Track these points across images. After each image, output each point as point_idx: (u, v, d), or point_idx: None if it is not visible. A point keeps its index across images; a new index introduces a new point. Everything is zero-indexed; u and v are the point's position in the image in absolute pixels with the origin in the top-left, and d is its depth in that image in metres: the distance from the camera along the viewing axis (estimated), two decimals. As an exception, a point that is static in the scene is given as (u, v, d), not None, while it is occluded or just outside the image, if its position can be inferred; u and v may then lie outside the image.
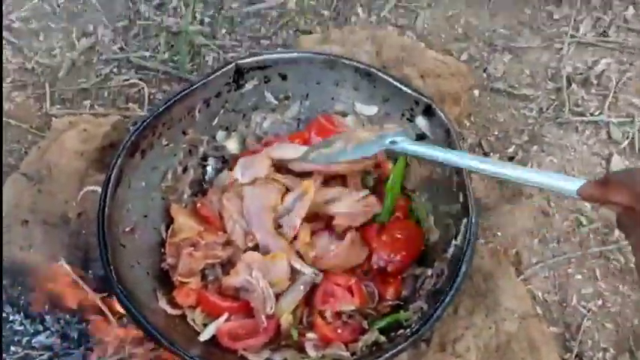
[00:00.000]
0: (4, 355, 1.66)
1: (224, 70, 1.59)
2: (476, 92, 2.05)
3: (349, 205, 1.53)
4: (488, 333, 1.51)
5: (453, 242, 1.45)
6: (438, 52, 2.00)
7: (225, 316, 1.47)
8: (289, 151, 1.59)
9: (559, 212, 1.84)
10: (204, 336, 1.45)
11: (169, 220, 1.58)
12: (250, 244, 1.51)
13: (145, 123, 1.51)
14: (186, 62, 2.06)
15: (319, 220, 1.54)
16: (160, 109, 1.53)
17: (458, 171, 1.47)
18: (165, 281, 1.52)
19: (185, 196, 1.64)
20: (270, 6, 2.19)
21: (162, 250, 1.55)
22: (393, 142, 1.41)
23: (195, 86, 1.57)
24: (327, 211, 1.52)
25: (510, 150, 1.96)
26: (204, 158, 1.67)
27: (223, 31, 2.15)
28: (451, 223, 1.49)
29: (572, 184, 1.04)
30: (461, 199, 1.46)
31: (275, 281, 1.46)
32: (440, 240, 1.52)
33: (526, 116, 2.03)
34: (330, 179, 1.59)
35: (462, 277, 1.35)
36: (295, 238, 1.50)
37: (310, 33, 2.11)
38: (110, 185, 1.45)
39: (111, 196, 1.45)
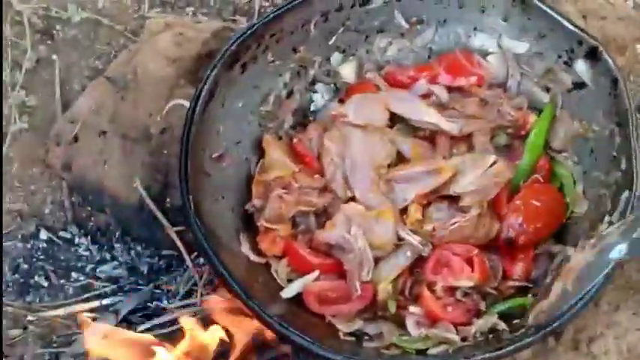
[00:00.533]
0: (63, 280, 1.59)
1: (349, -20, 1.40)
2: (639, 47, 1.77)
3: (475, 179, 1.30)
4: (635, 335, 1.32)
5: (606, 219, 1.24)
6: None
7: (315, 274, 1.31)
8: (414, 111, 1.37)
9: None
10: (288, 293, 1.30)
11: (261, 153, 1.40)
12: (351, 195, 1.33)
13: (250, 31, 1.34)
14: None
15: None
16: (270, 17, 1.35)
17: (622, 130, 1.27)
18: (249, 224, 1.35)
19: (286, 125, 1.46)
20: None
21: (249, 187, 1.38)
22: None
23: (309, -2, 1.38)
24: (448, 190, 1.31)
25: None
26: (313, 83, 1.49)
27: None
28: (606, 195, 1.29)
29: None
30: (623, 166, 1.26)
31: (377, 243, 1.28)
32: (588, 214, 1.32)
33: (702, 81, 1.77)
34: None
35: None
36: (405, 210, 1.31)
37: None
38: (201, 99, 1.29)
39: (200, 113, 1.29)
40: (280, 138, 1.44)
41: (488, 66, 1.45)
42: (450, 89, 1.43)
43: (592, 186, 1.33)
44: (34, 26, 1.78)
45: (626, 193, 1.22)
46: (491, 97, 1.38)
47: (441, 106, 1.39)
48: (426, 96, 1.41)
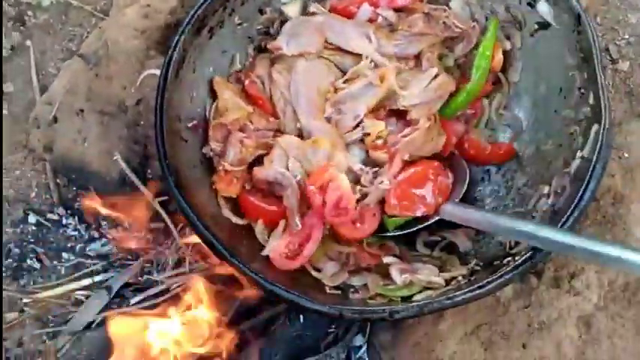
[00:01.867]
0: (54, 262, 1.61)
1: None
2: (607, -6, 1.78)
3: (419, 92, 1.31)
4: None
5: (579, 154, 1.22)
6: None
7: (282, 225, 1.28)
8: (346, 40, 1.35)
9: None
10: (266, 251, 1.27)
11: (214, 96, 1.38)
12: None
13: (215, -5, 1.31)
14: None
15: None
16: (233, -21, 1.32)
17: (588, 66, 1.24)
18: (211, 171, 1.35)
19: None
20: None
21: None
22: None
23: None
24: (393, 104, 1.31)
25: (644, 55, 1.71)
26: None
27: None
28: (577, 131, 1.26)
29: None
30: (591, 101, 1.23)
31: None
32: (560, 151, 1.29)
33: (664, 19, 1.75)
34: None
35: (588, 197, 1.14)
36: (357, 127, 1.30)
37: None
38: (171, 66, 1.25)
39: (172, 80, 1.26)
40: (231, 81, 1.41)
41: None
42: (395, 10, 1.39)
43: (563, 124, 1.30)
44: (6, 14, 1.79)
45: (595, 127, 1.19)
46: (435, 10, 1.35)
47: (391, 27, 1.37)
48: (372, 20, 1.38)
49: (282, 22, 1.40)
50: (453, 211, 1.25)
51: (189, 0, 1.58)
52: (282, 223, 1.28)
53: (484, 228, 1.22)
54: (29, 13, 1.79)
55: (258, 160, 1.32)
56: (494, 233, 1.24)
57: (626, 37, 1.72)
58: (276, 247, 1.25)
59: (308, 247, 1.24)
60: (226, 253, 1.15)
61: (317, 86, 1.32)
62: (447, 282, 1.22)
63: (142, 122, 1.49)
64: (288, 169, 1.28)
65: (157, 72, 1.38)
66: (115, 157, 1.47)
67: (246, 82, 1.37)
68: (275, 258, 1.24)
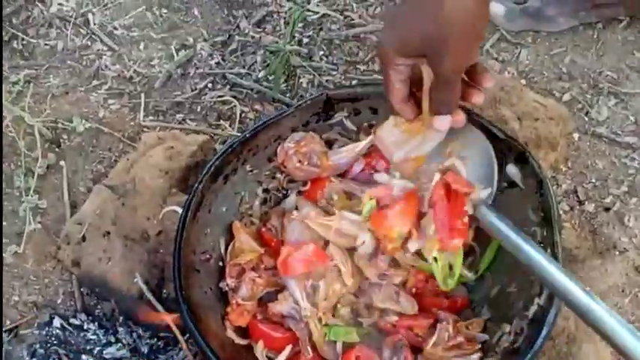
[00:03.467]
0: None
1: (314, 99, 1.57)
2: (576, 136, 1.95)
3: None
4: None
5: (536, 300, 1.37)
6: (539, 91, 1.95)
7: (288, 350, 1.44)
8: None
9: (655, 263, 1.75)
10: None
11: (229, 237, 1.56)
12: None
13: (229, 148, 1.51)
14: (280, 82, 2.04)
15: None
16: (246, 136, 1.52)
17: (547, 224, 1.40)
18: (223, 299, 1.52)
19: (254, 214, 1.63)
20: (371, 30, 2.15)
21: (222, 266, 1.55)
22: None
23: (283, 115, 1.55)
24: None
25: (607, 200, 1.86)
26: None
27: (320, 53, 2.13)
28: (535, 279, 1.39)
29: None
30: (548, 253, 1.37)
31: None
32: (522, 294, 1.44)
33: (627, 166, 1.92)
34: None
35: (542, 340, 1.29)
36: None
37: (408, 63, 2.07)
38: (191, 208, 1.45)
39: (190, 220, 1.45)
40: (247, 224, 1.59)
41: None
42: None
43: (524, 270, 1.35)
44: (44, 136, 1.94)
45: None
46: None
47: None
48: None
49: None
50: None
51: (207, 144, 1.78)
52: (288, 347, 1.44)
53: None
54: (64, 136, 1.96)
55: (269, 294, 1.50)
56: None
57: (593, 180, 1.87)
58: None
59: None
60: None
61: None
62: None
63: (161, 250, 1.63)
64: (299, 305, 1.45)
65: (178, 209, 1.56)
66: (135, 279, 1.61)
67: (263, 230, 1.56)
68: None
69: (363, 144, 1.56)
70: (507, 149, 1.49)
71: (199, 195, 1.47)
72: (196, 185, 1.47)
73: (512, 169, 1.50)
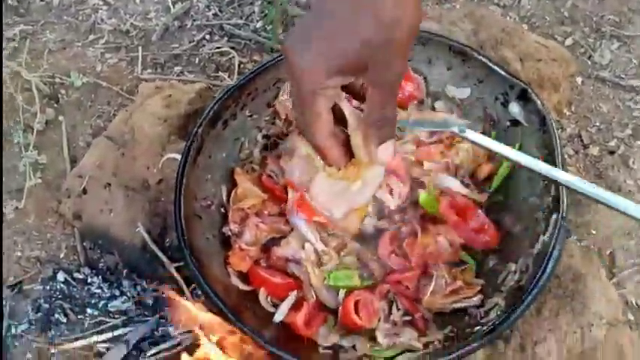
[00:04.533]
0: (79, 316, 1.69)
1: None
2: (579, 80, 1.95)
3: None
4: (573, 337, 1.43)
5: (541, 238, 1.36)
6: (541, 35, 1.92)
7: (293, 297, 1.43)
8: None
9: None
10: (278, 318, 1.41)
11: (231, 185, 1.54)
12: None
13: (227, 93, 1.49)
14: (278, 32, 2.02)
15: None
16: (244, 80, 1.51)
17: (550, 161, 1.39)
18: (225, 245, 1.50)
19: (255, 159, 1.60)
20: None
21: (224, 212, 1.52)
22: (460, 130, 1.32)
23: (281, 58, 1.52)
24: None
25: (612, 143, 1.86)
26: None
27: (318, 2, 2.10)
28: (540, 217, 1.40)
29: None
30: (552, 192, 1.38)
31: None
32: (527, 234, 1.43)
33: (631, 109, 1.92)
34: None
35: (547, 276, 1.28)
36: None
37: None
38: (190, 155, 1.44)
39: (190, 166, 1.44)
40: (248, 171, 1.57)
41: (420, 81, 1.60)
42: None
43: (529, 210, 1.43)
44: (41, 92, 1.93)
45: (554, 216, 1.34)
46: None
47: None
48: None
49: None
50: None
51: (205, 92, 1.76)
52: (293, 294, 1.42)
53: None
54: (62, 91, 1.95)
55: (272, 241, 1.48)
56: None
57: (597, 124, 1.88)
58: (294, 316, 1.40)
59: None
60: (234, 319, 1.29)
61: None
62: (425, 345, 1.35)
63: (162, 199, 1.62)
64: (304, 248, 1.45)
65: (177, 156, 1.52)
66: (137, 229, 1.60)
67: (263, 177, 1.54)
68: (295, 323, 1.39)
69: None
70: (509, 87, 1.49)
71: (198, 140, 1.45)
72: (195, 130, 1.45)
73: (514, 108, 1.50)
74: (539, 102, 1.44)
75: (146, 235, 1.60)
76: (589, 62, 1.99)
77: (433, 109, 1.60)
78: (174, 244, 1.60)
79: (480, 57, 1.52)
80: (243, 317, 1.32)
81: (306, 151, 1.43)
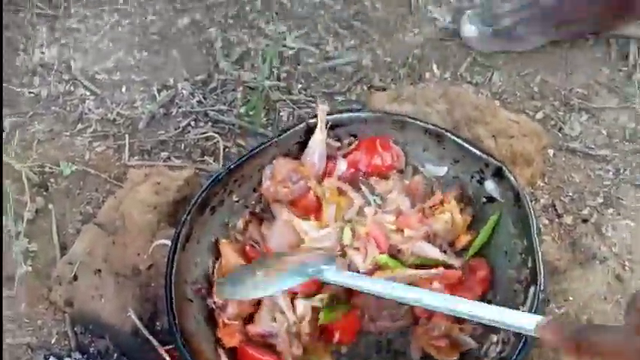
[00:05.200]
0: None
1: (295, 129, 1.62)
2: (551, 152, 2.01)
3: None
4: None
5: (521, 309, 1.41)
6: (512, 111, 2.00)
7: None
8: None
9: (634, 277, 1.79)
10: None
11: (217, 254, 1.60)
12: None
13: (215, 180, 1.55)
14: (261, 117, 2.09)
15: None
16: (230, 167, 1.57)
17: (526, 235, 1.46)
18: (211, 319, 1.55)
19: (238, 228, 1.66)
20: (346, 62, 2.21)
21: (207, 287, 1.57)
22: (317, 271, 1.41)
23: (266, 144, 1.59)
24: None
25: (585, 212, 1.92)
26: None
27: (299, 86, 2.18)
28: (519, 289, 1.46)
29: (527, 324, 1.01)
30: (529, 264, 1.44)
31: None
32: (506, 306, 1.43)
33: (602, 177, 1.98)
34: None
35: (528, 347, 1.33)
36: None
37: (384, 89, 2.12)
38: (180, 241, 1.49)
39: (179, 252, 1.48)
40: (232, 241, 1.62)
41: (399, 152, 1.67)
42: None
43: (508, 282, 1.49)
44: (31, 181, 1.96)
45: (532, 288, 1.39)
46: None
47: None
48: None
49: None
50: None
51: (193, 178, 1.81)
52: None
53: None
54: (52, 180, 1.98)
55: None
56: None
57: (570, 194, 1.93)
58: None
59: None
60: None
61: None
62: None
63: (152, 284, 1.65)
64: (275, 321, 1.49)
65: (167, 242, 1.57)
66: (128, 314, 1.62)
67: (247, 247, 1.60)
68: None
69: (319, 126, 1.62)
70: (485, 165, 1.56)
71: (188, 227, 1.50)
72: (184, 217, 1.50)
73: (490, 185, 1.57)
74: (512, 179, 1.51)
75: (137, 321, 1.62)
76: (560, 135, 2.06)
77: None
78: (165, 328, 1.62)
79: (455, 138, 1.58)
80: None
81: (287, 216, 1.49)
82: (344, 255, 1.54)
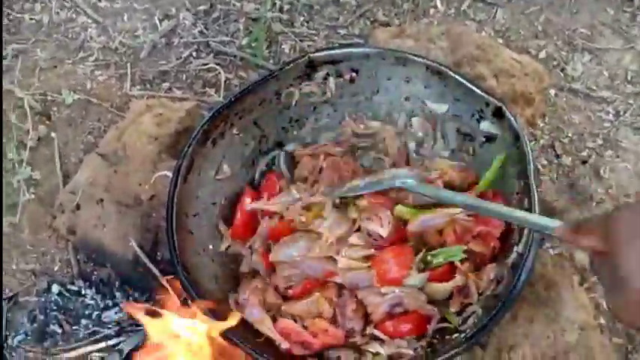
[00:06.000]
0: (74, 327, 1.75)
1: (297, 62, 1.62)
2: (552, 92, 2.03)
3: None
4: (547, 342, 1.50)
5: (515, 248, 1.43)
6: (515, 50, 2.00)
7: None
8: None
9: (629, 219, 1.81)
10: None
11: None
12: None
13: (216, 112, 1.56)
14: (263, 49, 2.09)
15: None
16: (232, 100, 1.57)
17: (523, 174, 1.46)
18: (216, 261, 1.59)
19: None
20: (350, -6, 2.20)
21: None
22: (403, 182, 1.49)
23: (267, 77, 1.60)
24: None
25: (584, 153, 1.94)
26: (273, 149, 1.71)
27: (301, 19, 2.18)
28: (515, 229, 1.47)
29: (551, 224, 1.08)
30: (525, 205, 1.44)
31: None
32: (502, 246, 1.50)
33: (602, 119, 2.00)
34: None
35: (521, 285, 1.34)
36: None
37: (387, 25, 2.12)
38: (181, 172, 1.50)
39: (181, 184, 1.50)
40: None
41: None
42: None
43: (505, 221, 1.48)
44: (34, 109, 1.98)
45: (527, 229, 1.39)
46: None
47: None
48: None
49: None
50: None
51: (194, 110, 1.82)
52: None
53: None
54: (54, 108, 2.00)
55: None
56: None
57: (569, 135, 1.95)
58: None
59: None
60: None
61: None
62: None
63: (154, 214, 1.68)
64: None
65: (168, 173, 1.60)
66: (130, 243, 1.66)
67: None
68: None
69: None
70: (485, 105, 1.55)
71: (189, 159, 1.52)
72: (185, 149, 1.51)
73: (490, 123, 1.56)
74: (512, 119, 1.50)
75: (138, 250, 1.65)
76: (562, 75, 2.07)
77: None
78: (166, 258, 1.65)
79: (456, 76, 1.58)
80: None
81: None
82: (360, 230, 1.54)
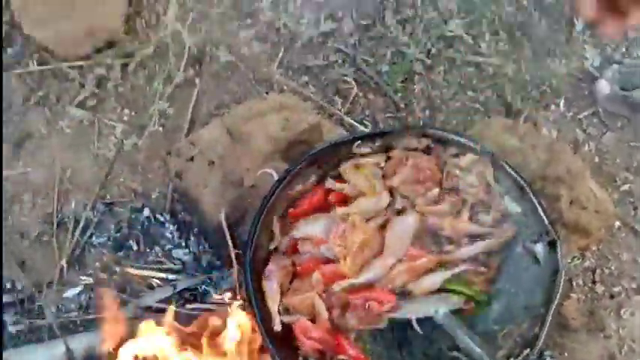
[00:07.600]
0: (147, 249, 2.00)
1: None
2: (617, 224, 2.17)
3: None
4: None
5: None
6: (602, 175, 2.17)
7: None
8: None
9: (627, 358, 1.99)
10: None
11: None
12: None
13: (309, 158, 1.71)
14: (396, 82, 2.27)
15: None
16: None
17: (547, 306, 1.62)
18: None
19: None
20: (492, 62, 2.36)
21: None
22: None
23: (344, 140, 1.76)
24: None
25: (616, 289, 2.10)
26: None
27: (441, 68, 2.34)
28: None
29: None
30: (535, 330, 1.61)
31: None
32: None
33: (644, 267, 2.13)
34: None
35: None
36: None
37: (509, 108, 2.29)
38: (280, 187, 1.68)
39: (279, 193, 1.67)
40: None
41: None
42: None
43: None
44: (191, 52, 2.21)
45: (526, 350, 1.57)
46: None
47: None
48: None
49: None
50: None
51: (317, 126, 1.96)
52: None
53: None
54: (207, 59, 2.25)
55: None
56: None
57: (612, 267, 2.15)
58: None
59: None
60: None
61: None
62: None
63: (249, 199, 1.82)
64: None
65: (273, 173, 1.77)
66: (220, 213, 1.82)
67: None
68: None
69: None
70: (545, 231, 1.69)
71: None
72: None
73: (541, 248, 1.69)
74: (560, 257, 1.64)
75: (224, 222, 1.83)
76: (632, 213, 2.21)
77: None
78: (242, 239, 1.81)
79: (534, 198, 1.69)
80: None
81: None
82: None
